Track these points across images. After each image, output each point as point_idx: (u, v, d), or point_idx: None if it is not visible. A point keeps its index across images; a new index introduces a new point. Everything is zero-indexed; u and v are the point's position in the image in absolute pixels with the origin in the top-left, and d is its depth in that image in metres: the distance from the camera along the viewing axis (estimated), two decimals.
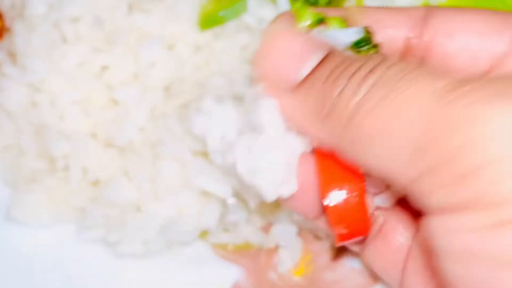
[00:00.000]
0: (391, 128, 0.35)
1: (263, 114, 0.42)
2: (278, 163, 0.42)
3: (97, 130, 0.64)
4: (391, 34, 0.45)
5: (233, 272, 0.64)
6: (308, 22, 0.42)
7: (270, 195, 0.43)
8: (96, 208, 0.63)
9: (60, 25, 0.66)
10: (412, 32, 0.45)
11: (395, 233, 0.47)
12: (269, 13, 0.66)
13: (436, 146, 0.33)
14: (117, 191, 0.62)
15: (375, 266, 0.48)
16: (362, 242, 0.48)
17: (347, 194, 0.43)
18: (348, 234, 0.44)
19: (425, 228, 0.35)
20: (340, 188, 0.43)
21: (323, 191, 0.43)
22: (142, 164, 0.63)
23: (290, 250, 0.64)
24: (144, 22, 0.66)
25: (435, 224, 0.34)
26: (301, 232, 0.64)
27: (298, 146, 0.43)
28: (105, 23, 0.65)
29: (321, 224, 0.47)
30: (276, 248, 0.64)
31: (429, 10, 0.45)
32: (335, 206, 0.43)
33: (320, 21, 0.43)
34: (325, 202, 0.43)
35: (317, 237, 0.65)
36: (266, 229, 0.64)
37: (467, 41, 0.44)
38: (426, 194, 0.34)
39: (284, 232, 0.64)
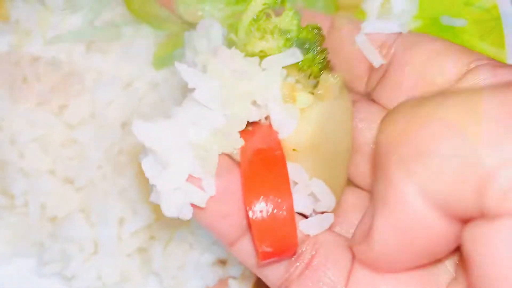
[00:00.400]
0: None
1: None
2: (179, 181, 0.40)
3: (56, 167, 0.66)
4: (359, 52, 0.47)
5: None
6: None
7: (169, 212, 0.40)
8: (53, 243, 0.65)
9: (20, 64, 0.68)
10: (381, 50, 0.46)
11: (326, 271, 0.42)
12: None
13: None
14: (74, 227, 0.64)
15: None
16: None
17: (274, 208, 0.40)
18: (273, 252, 0.40)
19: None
20: (266, 200, 0.40)
21: (248, 202, 0.40)
22: (100, 201, 0.65)
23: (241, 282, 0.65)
24: (100, 62, 0.68)
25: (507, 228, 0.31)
26: None
27: (216, 146, 0.41)
28: (63, 64, 0.67)
29: (238, 252, 0.43)
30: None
31: (400, 33, 0.47)
32: (261, 220, 0.40)
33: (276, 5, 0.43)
34: (250, 214, 0.39)
35: None
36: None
37: (419, 67, 0.45)
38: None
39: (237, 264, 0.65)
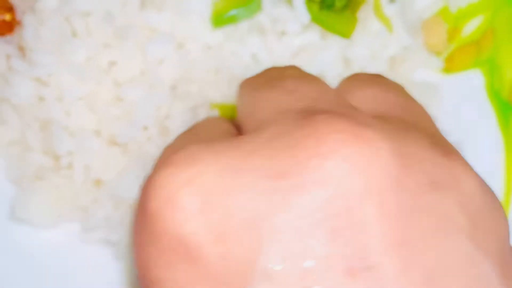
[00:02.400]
0: None
1: None
2: None
3: (102, 127, 0.63)
4: None
5: None
6: None
7: None
8: (98, 207, 0.61)
9: (70, 19, 0.65)
10: None
11: None
12: (284, 13, 0.64)
13: None
14: (121, 189, 0.61)
15: None
16: None
17: None
18: None
19: None
20: None
21: None
22: (144, 164, 0.61)
23: None
24: (154, 18, 0.64)
25: None
26: None
27: None
28: (116, 18, 0.64)
29: None
30: None
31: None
32: None
33: None
34: None
35: None
36: None
37: None
38: None
39: None
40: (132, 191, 0.60)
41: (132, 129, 0.62)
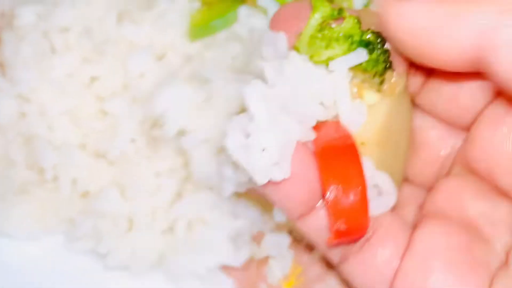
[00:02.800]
0: None
1: (250, 99, 0.43)
2: (271, 144, 0.42)
3: (87, 141, 0.64)
4: None
5: (224, 283, 0.63)
6: (324, 13, 0.44)
7: (260, 177, 0.42)
8: (86, 219, 0.62)
9: (49, 35, 0.65)
10: None
11: (383, 247, 0.46)
12: (259, 23, 0.66)
13: None
14: (108, 202, 0.62)
15: (357, 282, 0.47)
16: (356, 241, 0.46)
17: (349, 190, 0.43)
18: (346, 231, 0.43)
19: None
20: (342, 183, 0.43)
21: (324, 185, 0.43)
22: (136, 176, 0.62)
23: (281, 261, 0.63)
24: (133, 32, 0.65)
25: None
26: (292, 243, 0.64)
27: (294, 132, 0.43)
28: (95, 33, 0.65)
29: (305, 226, 0.46)
30: (266, 259, 0.64)
31: None
32: (336, 199, 0.43)
33: (335, 16, 0.44)
34: (328, 195, 0.43)
35: (308, 249, 0.64)
36: (257, 239, 0.64)
37: None
38: None
39: (276, 243, 0.63)
40: (119, 203, 0.62)
41: (119, 142, 0.63)
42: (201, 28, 0.65)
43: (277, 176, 0.42)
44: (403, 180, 0.51)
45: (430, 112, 0.49)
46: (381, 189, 0.46)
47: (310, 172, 0.44)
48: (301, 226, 0.46)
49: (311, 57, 0.45)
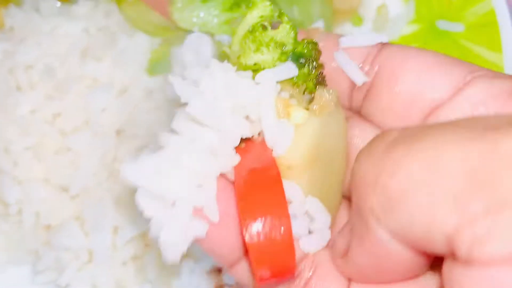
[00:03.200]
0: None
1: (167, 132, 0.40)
2: (181, 195, 0.38)
3: (50, 176, 0.66)
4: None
5: None
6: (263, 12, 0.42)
7: (172, 253, 0.38)
8: (48, 251, 0.64)
9: (14, 72, 0.68)
10: (363, 66, 0.45)
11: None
12: None
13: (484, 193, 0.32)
14: (69, 235, 0.64)
15: None
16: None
17: (271, 229, 0.39)
18: (271, 276, 0.40)
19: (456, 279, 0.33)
20: (263, 222, 0.39)
21: (244, 224, 0.39)
22: (95, 209, 0.64)
23: None
24: (95, 69, 0.67)
25: (479, 276, 0.32)
26: None
27: (212, 166, 0.40)
28: (58, 70, 0.67)
29: (237, 274, 0.43)
30: None
31: (383, 46, 0.45)
32: (258, 243, 0.39)
33: (274, 18, 0.42)
34: (246, 237, 0.38)
35: None
36: (213, 273, 0.65)
37: (410, 83, 0.44)
38: (477, 242, 0.31)
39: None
40: (81, 237, 0.64)
41: (81, 177, 0.65)
42: (159, 64, 0.67)
43: (202, 230, 0.39)
44: (343, 198, 0.47)
45: (378, 125, 0.46)
46: (312, 216, 0.43)
47: (235, 211, 0.40)
48: (233, 274, 0.43)
49: (238, 57, 0.42)
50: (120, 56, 0.68)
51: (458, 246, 0.32)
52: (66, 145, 0.66)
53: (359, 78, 0.45)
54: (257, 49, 0.42)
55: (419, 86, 0.44)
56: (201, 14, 0.66)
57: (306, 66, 0.42)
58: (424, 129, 0.36)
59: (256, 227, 0.39)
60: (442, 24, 0.78)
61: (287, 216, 0.39)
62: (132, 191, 0.64)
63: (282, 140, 0.41)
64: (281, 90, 0.42)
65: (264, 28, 0.42)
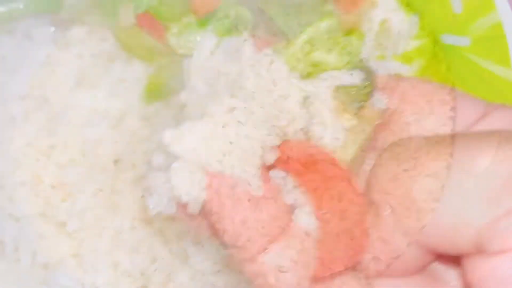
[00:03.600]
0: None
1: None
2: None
3: (47, 211, 0.64)
4: None
5: None
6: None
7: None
8: None
9: (8, 103, 0.66)
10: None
11: None
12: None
13: None
14: (67, 274, 0.62)
15: None
16: None
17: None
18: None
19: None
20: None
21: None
22: (93, 245, 0.62)
23: None
24: (90, 98, 0.65)
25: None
26: None
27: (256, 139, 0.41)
28: (52, 100, 0.65)
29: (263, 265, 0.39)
30: None
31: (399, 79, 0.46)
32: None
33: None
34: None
35: None
36: None
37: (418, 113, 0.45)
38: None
39: None
40: (79, 274, 0.62)
41: (78, 211, 0.63)
42: (156, 91, 0.65)
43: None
44: None
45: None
46: None
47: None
48: (255, 266, 0.37)
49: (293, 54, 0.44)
50: (116, 84, 0.66)
51: (489, 239, 0.35)
52: (62, 178, 0.64)
53: None
54: (330, 50, 0.44)
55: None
56: (198, 39, 0.64)
57: (365, 80, 0.44)
58: (449, 136, 0.39)
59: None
60: (447, 38, 0.76)
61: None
62: (133, 226, 0.63)
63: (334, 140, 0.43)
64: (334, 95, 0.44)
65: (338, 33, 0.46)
